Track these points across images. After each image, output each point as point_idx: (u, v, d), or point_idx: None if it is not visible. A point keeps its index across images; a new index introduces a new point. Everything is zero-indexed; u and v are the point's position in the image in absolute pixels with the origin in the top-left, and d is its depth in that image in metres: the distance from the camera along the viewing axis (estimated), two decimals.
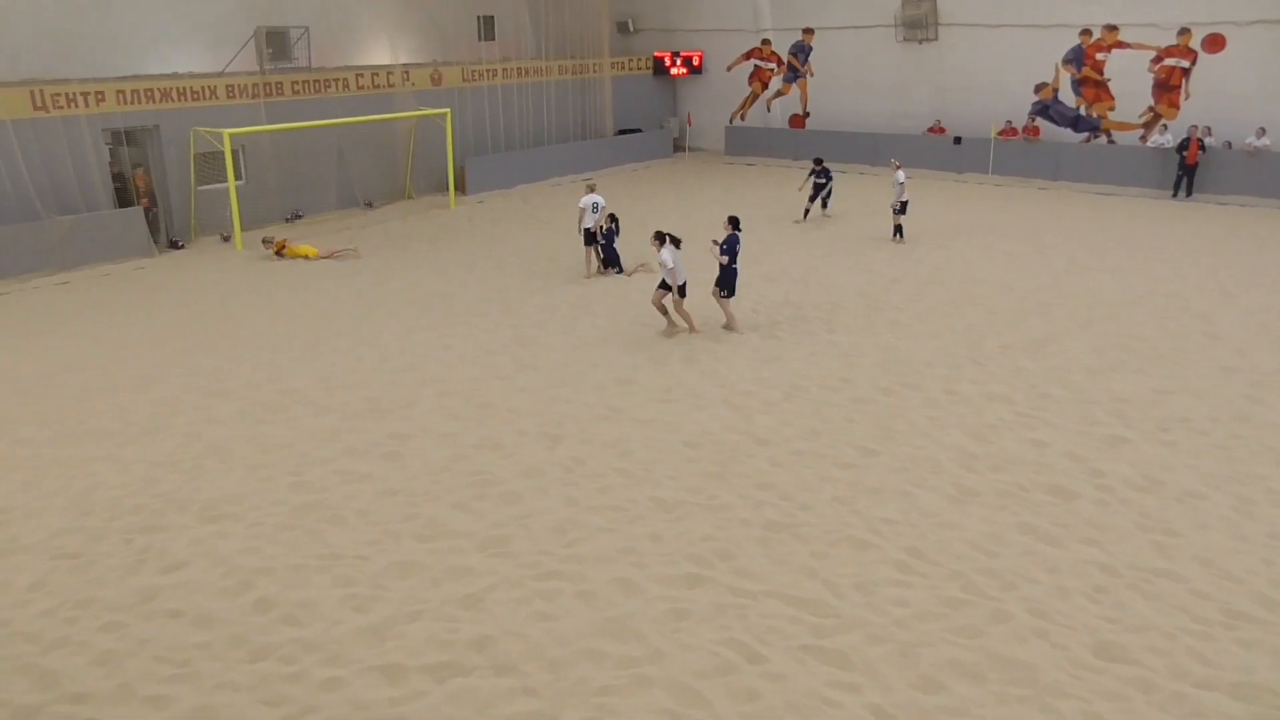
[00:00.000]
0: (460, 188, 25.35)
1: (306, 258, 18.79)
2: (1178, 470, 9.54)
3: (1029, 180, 25.55)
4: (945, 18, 27.25)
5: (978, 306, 14.97)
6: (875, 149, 28.45)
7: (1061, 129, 26.10)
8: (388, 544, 8.38)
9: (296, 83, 22.25)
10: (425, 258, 18.98)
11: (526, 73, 28.32)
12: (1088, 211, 21.97)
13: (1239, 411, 10.89)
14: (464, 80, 26.44)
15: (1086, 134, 25.77)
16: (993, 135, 26.27)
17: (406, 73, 24.92)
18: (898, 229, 19.15)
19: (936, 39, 27.56)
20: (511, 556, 8.15)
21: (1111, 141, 25.37)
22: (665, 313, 13.94)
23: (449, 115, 24.17)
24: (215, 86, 20.78)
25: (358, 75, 23.67)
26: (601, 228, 17.02)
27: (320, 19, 23.36)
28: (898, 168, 19.16)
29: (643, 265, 17.26)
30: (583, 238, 17.18)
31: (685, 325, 13.93)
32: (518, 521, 8.72)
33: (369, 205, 24.05)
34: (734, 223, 13.83)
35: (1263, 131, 22.41)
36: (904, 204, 18.96)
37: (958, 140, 26.96)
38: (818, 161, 21.49)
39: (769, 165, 30.06)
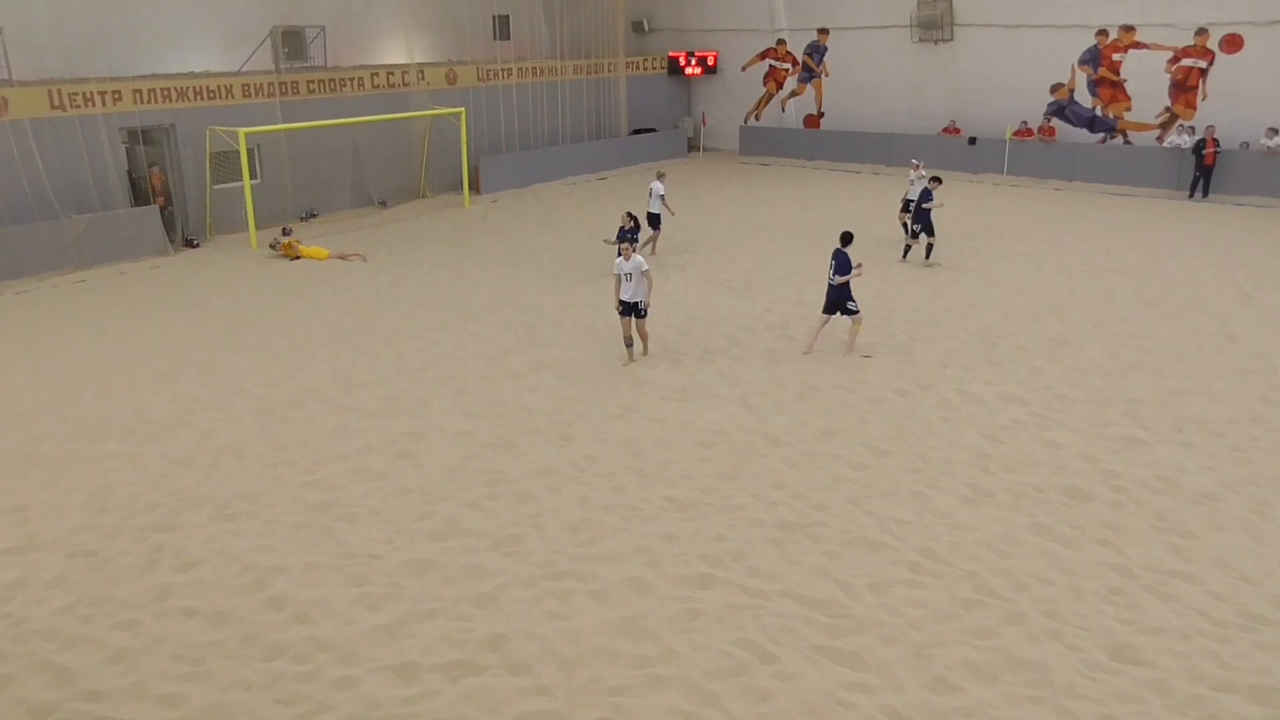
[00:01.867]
0: (475, 187, 25.40)
1: (316, 259, 18.83)
2: (1194, 472, 9.47)
3: (1044, 181, 25.42)
4: (961, 18, 27.13)
5: (992, 307, 14.90)
6: (890, 149, 28.35)
7: (1077, 129, 25.95)
8: (401, 543, 8.39)
9: (312, 82, 22.32)
10: (440, 257, 19.01)
11: (541, 72, 28.33)
12: (1103, 212, 21.84)
13: (1256, 414, 10.80)
14: (479, 79, 26.45)
15: (1102, 134, 25.61)
16: (1008, 136, 26.14)
17: (422, 72, 24.94)
18: (912, 232, 18.76)
19: (952, 39, 27.45)
20: (524, 556, 8.15)
21: (1128, 142, 25.21)
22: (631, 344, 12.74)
23: (464, 114, 24.24)
24: (231, 86, 20.87)
25: (373, 74, 23.72)
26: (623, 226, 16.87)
27: (336, 18, 23.44)
28: (918, 167, 18.57)
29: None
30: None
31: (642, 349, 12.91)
32: (531, 520, 8.73)
33: (384, 204, 24.10)
34: (844, 239, 12.88)
35: (1274, 132, 22.23)
36: (909, 202, 18.60)
37: (973, 141, 26.84)
38: (935, 180, 17.61)
39: (784, 166, 29.97)
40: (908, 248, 17.94)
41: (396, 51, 25.49)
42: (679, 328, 14.26)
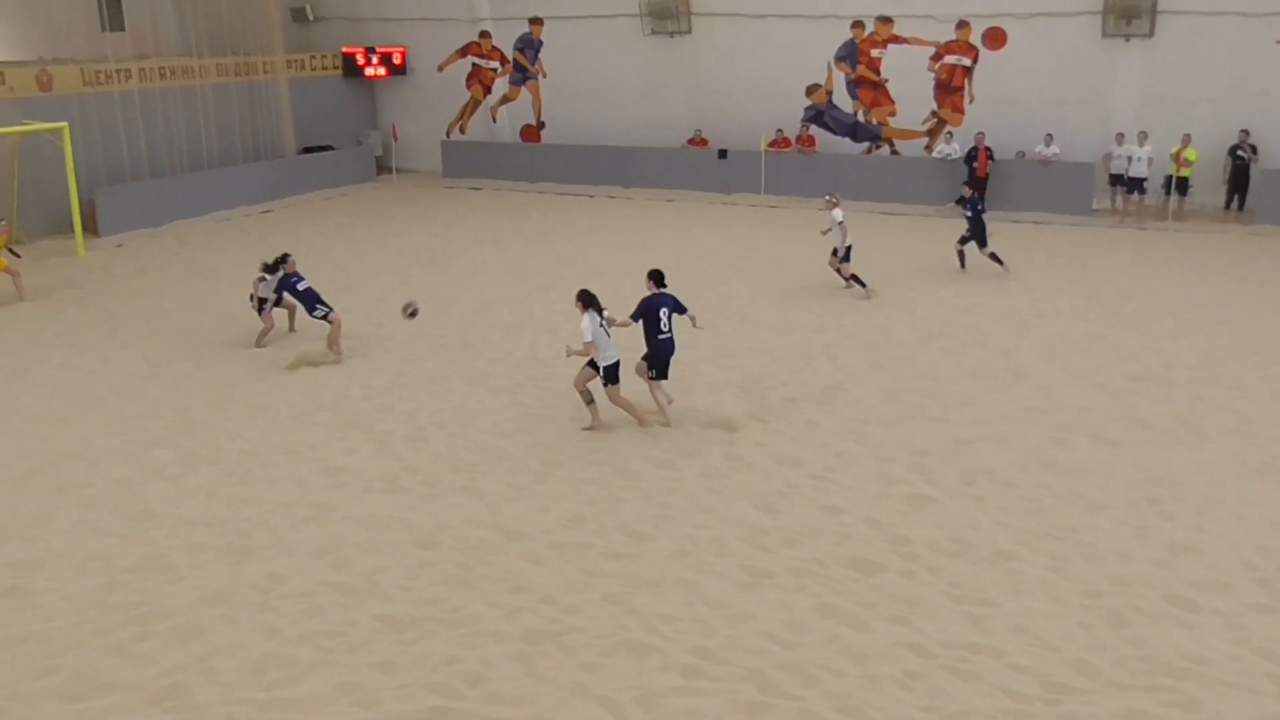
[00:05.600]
0: (90, 228, 24.37)
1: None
2: (987, 529, 10.68)
3: (807, 200, 27.32)
4: (699, 6, 29.02)
5: (756, 352, 16.03)
6: (628, 167, 29.69)
7: (839, 138, 28.38)
8: (19, 711, 8.02)
9: None
10: (48, 323, 18.17)
11: (172, 73, 27.70)
12: (873, 234, 23.81)
13: (1046, 457, 12.32)
14: (85, 84, 25.56)
15: (868, 144, 28.14)
16: (763, 147, 28.10)
17: (0, 74, 23.88)
18: (852, 277, 19.02)
19: (690, 31, 29.30)
20: (194, 710, 8.00)
21: (895, 153, 27.84)
22: (590, 401, 13.13)
23: (66, 131, 23.26)
24: None
25: None
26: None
27: None
28: (833, 205, 18.85)
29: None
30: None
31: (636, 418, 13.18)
32: (199, 664, 8.57)
33: None
34: (657, 279, 13.33)
35: (1051, 139, 25.40)
36: (849, 249, 18.83)
37: (723, 154, 28.64)
38: (970, 186, 21.01)
39: (500, 189, 30.73)
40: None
41: None
42: (381, 399, 14.38)
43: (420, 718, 7.89)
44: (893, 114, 27.86)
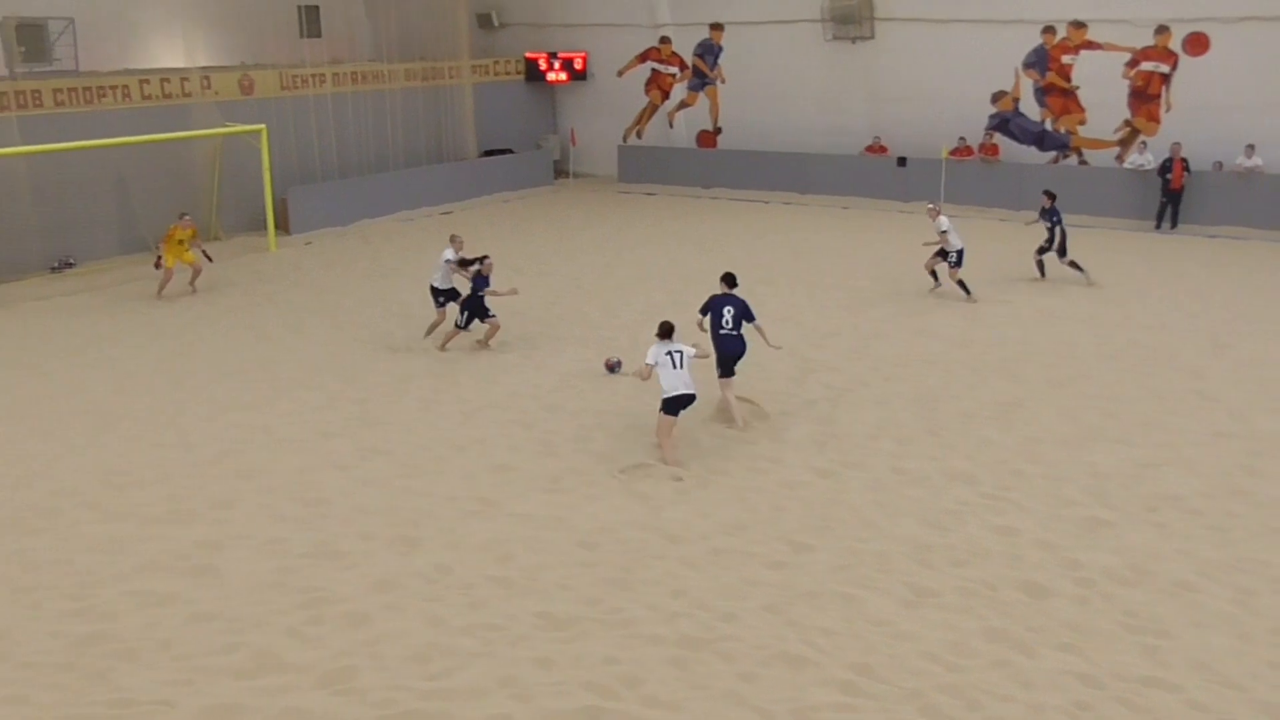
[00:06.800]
0: (282, 225, 25.31)
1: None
2: (1168, 558, 10.23)
3: (987, 210, 26.68)
4: (883, 11, 28.58)
5: (932, 365, 15.71)
6: (804, 173, 29.43)
7: (1025, 147, 27.56)
8: (200, 684, 8.39)
9: (60, 91, 22.07)
10: (240, 316, 18.96)
11: (363, 78, 28.57)
12: None
13: (1236, 485, 11.73)
14: (283, 88, 26.53)
15: (1054, 154, 27.28)
16: (944, 156, 27.43)
17: (207, 78, 24.93)
18: (959, 283, 19.18)
19: (873, 37, 28.87)
20: (360, 693, 8.26)
21: (1083, 162, 26.91)
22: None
23: (264, 133, 24.21)
24: None
25: (142, 82, 23.59)
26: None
27: (89, 8, 23.20)
28: (937, 214, 19.14)
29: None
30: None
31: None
32: (366, 649, 8.84)
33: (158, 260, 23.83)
34: (729, 281, 13.66)
35: (1252, 150, 24.11)
36: (959, 253, 18.96)
37: (902, 162, 28.14)
38: (1050, 196, 20.07)
39: (674, 195, 30.76)
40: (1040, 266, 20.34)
41: (172, 52, 25.41)
42: (548, 399, 14.61)
43: (575, 716, 7.98)
44: (1083, 122, 26.93)
